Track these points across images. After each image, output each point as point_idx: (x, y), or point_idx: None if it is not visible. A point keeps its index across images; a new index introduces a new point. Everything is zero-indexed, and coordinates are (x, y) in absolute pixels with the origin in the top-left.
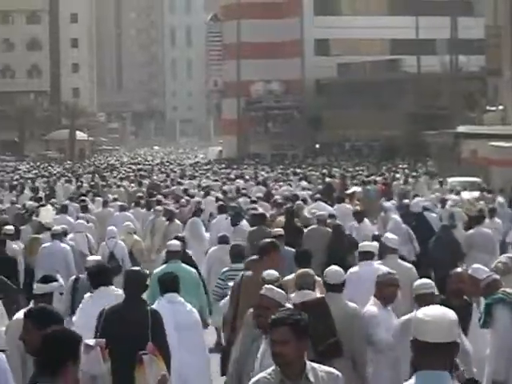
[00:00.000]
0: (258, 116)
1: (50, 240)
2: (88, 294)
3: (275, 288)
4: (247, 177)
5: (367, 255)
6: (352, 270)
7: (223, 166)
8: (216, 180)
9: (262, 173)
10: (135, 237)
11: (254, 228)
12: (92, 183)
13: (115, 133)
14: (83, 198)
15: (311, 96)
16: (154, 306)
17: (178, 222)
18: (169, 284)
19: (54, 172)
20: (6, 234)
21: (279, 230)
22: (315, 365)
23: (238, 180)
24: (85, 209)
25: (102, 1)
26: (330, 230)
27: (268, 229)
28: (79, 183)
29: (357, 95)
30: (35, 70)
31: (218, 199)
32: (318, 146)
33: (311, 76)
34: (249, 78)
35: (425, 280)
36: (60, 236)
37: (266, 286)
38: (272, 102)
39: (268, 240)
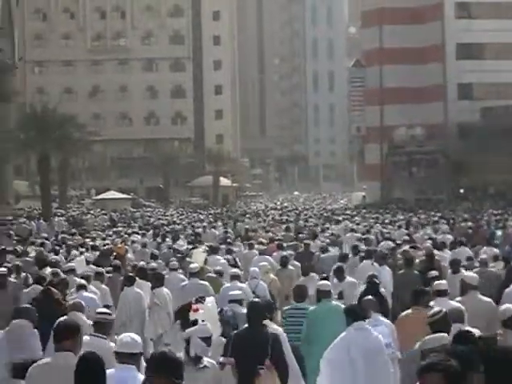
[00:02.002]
0: (401, 161)
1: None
2: None
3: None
4: (387, 221)
5: (442, 293)
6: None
7: (364, 211)
8: (358, 224)
9: (401, 217)
10: (272, 276)
11: (402, 271)
12: (246, 226)
13: (259, 179)
14: (228, 241)
15: (454, 140)
16: (342, 335)
17: (291, 267)
18: (356, 314)
19: (202, 218)
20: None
21: (434, 273)
22: None
23: (377, 224)
24: (230, 251)
25: (245, 47)
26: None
27: (416, 272)
28: (226, 228)
29: (501, 139)
30: (179, 117)
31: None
32: (462, 190)
33: (454, 120)
34: (391, 123)
35: None
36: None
37: None
38: (415, 147)
39: None
